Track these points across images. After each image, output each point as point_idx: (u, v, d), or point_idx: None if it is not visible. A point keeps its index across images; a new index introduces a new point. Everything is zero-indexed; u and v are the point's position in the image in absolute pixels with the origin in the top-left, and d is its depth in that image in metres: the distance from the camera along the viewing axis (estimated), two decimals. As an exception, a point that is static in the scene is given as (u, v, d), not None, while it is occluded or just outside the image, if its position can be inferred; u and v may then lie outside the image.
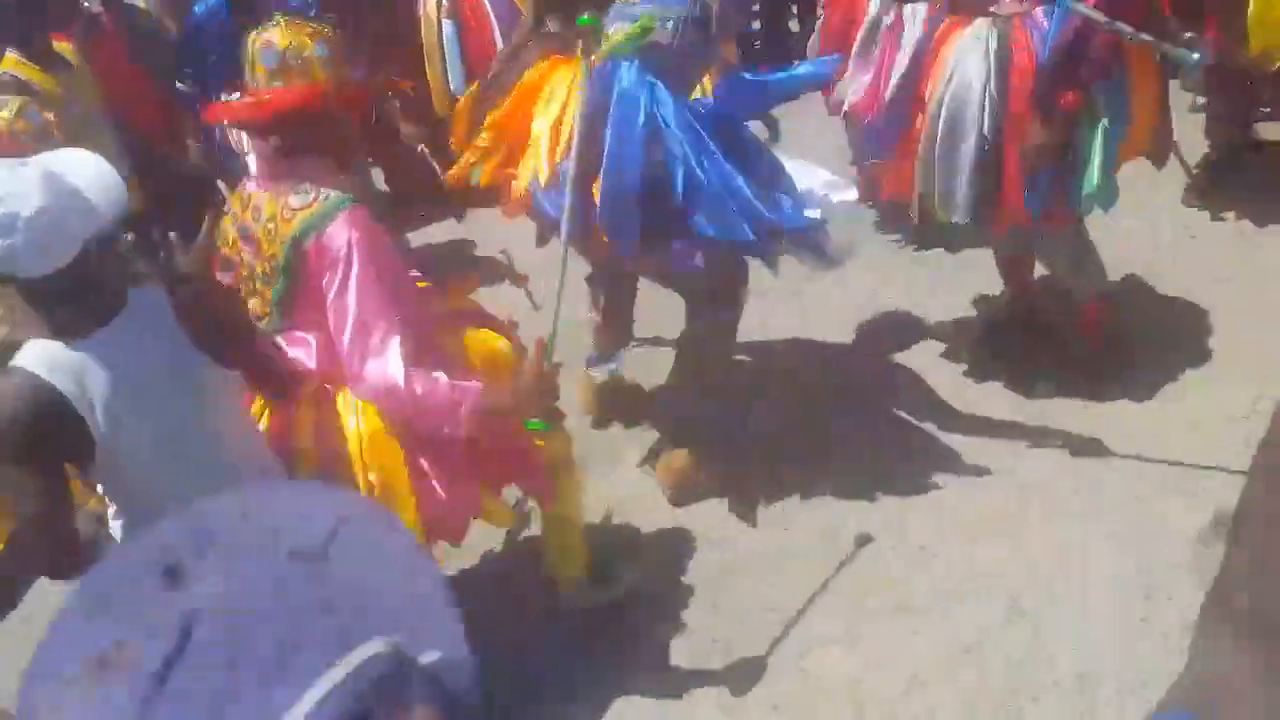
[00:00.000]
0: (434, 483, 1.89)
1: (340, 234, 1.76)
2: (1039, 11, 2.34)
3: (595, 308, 2.94)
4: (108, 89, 3.33)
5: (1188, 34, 3.61)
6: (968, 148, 2.41)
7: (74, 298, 1.47)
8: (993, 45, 2.35)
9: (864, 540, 2.43)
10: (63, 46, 3.39)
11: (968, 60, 2.38)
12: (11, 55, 3.15)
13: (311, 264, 1.79)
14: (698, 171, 2.11)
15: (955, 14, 2.49)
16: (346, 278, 1.75)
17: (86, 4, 3.66)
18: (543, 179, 2.25)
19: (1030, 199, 2.42)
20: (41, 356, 1.46)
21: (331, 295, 1.77)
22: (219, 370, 1.63)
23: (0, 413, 1.41)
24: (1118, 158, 2.43)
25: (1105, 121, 2.36)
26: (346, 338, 1.77)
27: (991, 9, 2.40)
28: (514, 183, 2.35)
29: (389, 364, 1.75)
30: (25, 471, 1.42)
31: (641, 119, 2.10)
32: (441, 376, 1.79)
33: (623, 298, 2.90)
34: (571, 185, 1.83)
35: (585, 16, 1.76)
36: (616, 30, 2.13)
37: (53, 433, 1.44)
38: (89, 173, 1.51)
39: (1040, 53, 2.32)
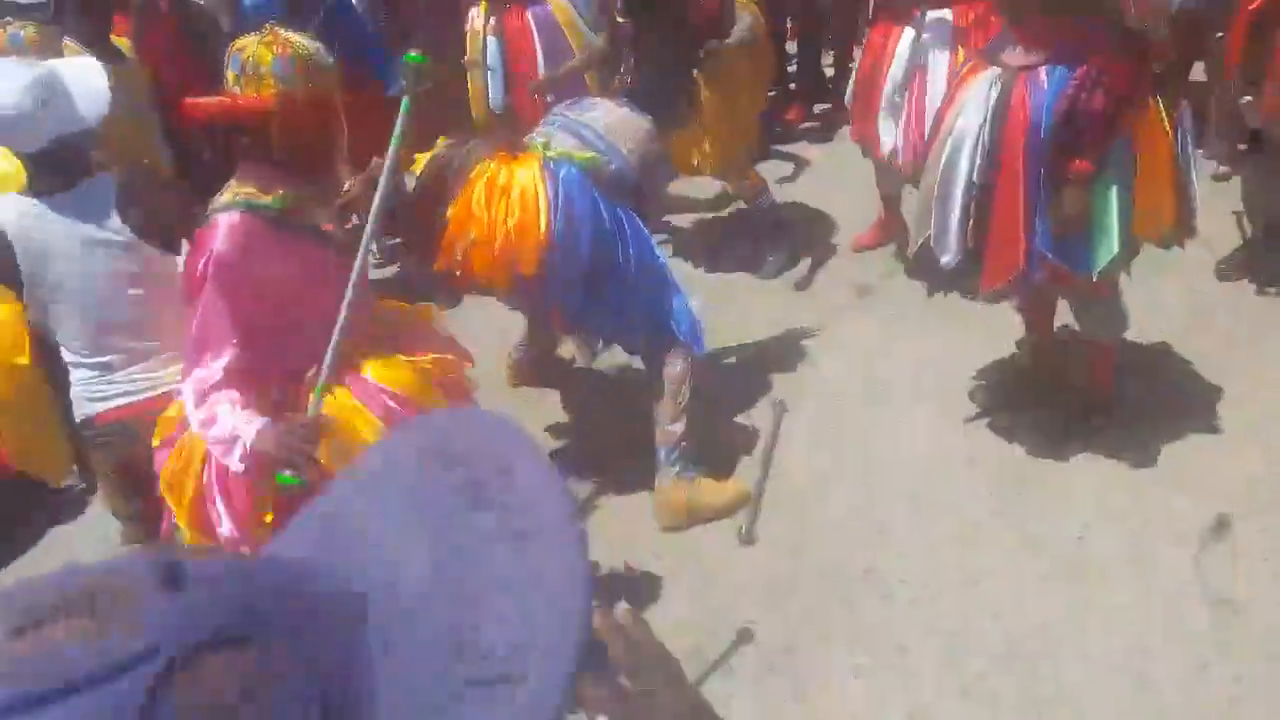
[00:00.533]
0: None
1: (212, 234, 1.77)
2: (1043, 70, 2.36)
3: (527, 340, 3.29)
4: (159, 76, 3.43)
5: (1245, 98, 3.65)
6: (958, 193, 2.46)
7: (48, 168, 2.02)
8: (993, 96, 2.39)
9: (865, 573, 2.45)
10: (119, 40, 3.52)
11: (969, 107, 2.44)
12: (69, 43, 3.27)
13: (193, 247, 1.84)
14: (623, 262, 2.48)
15: (974, 60, 2.56)
16: (202, 281, 1.76)
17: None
18: (527, 271, 2.45)
19: (1032, 257, 2.43)
20: (14, 206, 2.03)
21: (189, 294, 1.80)
22: (144, 248, 2.06)
23: None
24: (1132, 220, 2.41)
25: (1115, 186, 2.36)
26: (189, 346, 1.79)
27: (1003, 59, 2.44)
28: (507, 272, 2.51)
29: (192, 382, 1.75)
30: None
31: (587, 201, 2.44)
32: (229, 409, 1.71)
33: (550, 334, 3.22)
34: (372, 217, 1.81)
35: (412, 53, 1.76)
36: (562, 143, 2.54)
37: None
38: (83, 84, 2.03)
39: (1035, 110, 2.34)
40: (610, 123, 2.65)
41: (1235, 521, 2.45)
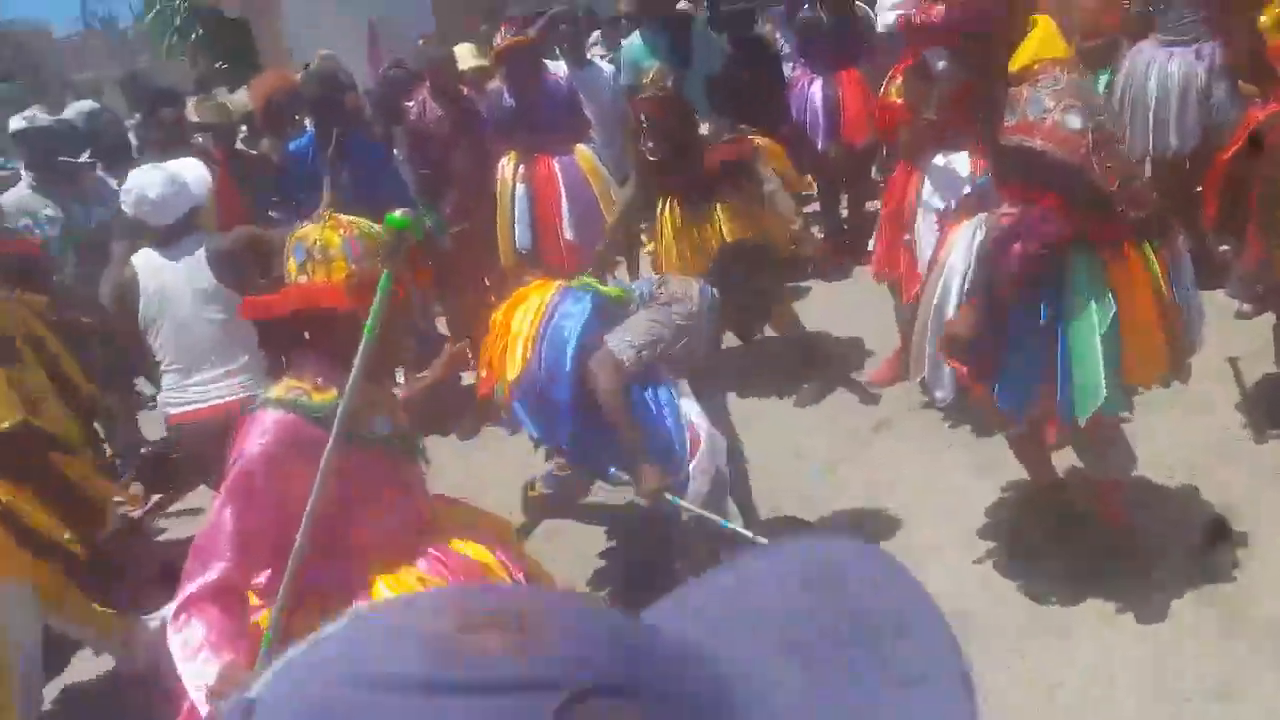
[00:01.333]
0: None
1: (252, 430, 1.65)
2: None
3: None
4: (218, 215, 3.76)
5: (1223, 246, 3.72)
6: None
7: (167, 232, 2.92)
8: (978, 239, 2.47)
9: None
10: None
11: (957, 249, 2.52)
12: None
13: (235, 435, 1.70)
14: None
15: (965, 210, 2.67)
16: (227, 479, 1.63)
17: (200, 139, 4.21)
18: (508, 384, 2.57)
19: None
20: (140, 255, 2.95)
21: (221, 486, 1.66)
22: (224, 290, 2.79)
23: (118, 282, 2.99)
24: (1120, 363, 2.36)
25: (1090, 334, 2.32)
26: (191, 549, 1.64)
27: (993, 209, 2.52)
28: (496, 386, 2.65)
29: (179, 595, 1.59)
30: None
31: (577, 334, 2.51)
32: (200, 636, 1.54)
33: None
34: (346, 397, 1.54)
35: (396, 216, 1.57)
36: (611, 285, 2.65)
37: (130, 293, 2.91)
38: (192, 175, 3.00)
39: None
40: (667, 279, 2.76)
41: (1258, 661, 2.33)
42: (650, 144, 3.49)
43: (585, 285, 2.67)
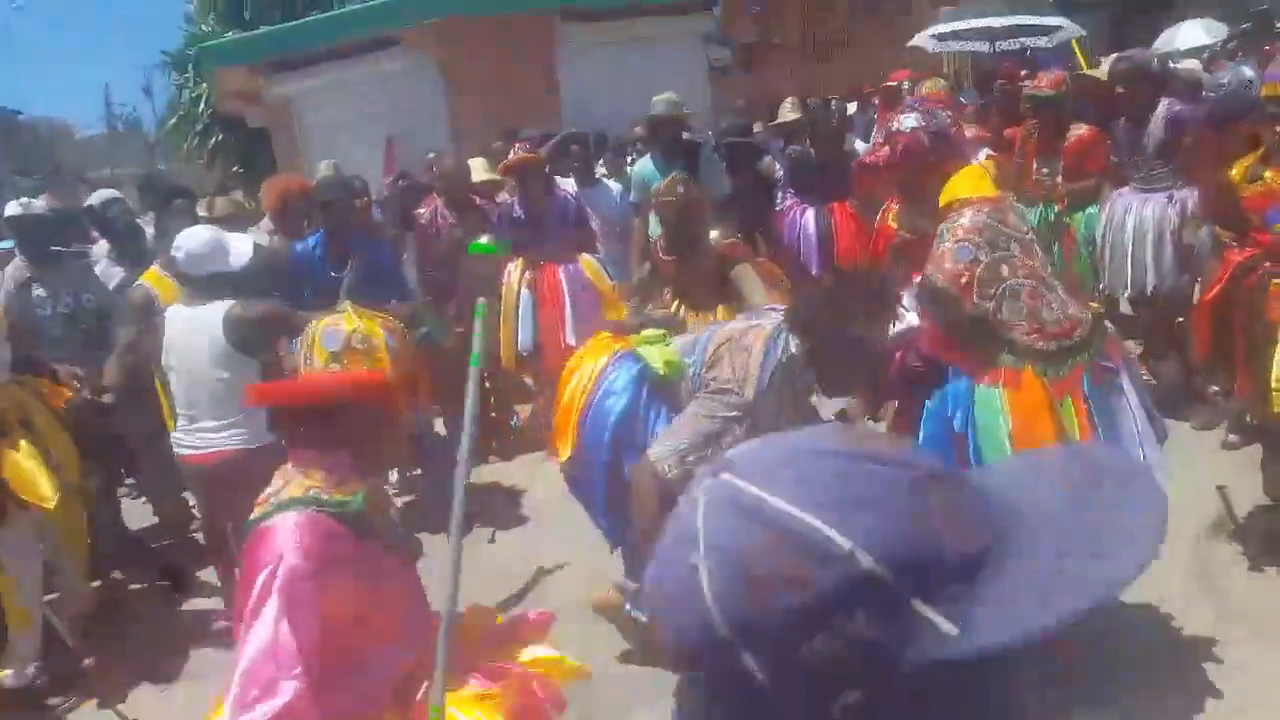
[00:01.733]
0: None
1: (280, 539, 1.50)
2: None
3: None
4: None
5: (1214, 387, 3.82)
6: None
7: (196, 289, 3.11)
8: None
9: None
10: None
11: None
12: (153, 270, 3.72)
13: (248, 553, 1.55)
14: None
15: None
16: (263, 601, 1.47)
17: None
18: (563, 455, 2.64)
19: None
20: (172, 309, 3.18)
21: (247, 609, 1.50)
22: (234, 351, 3.01)
23: (141, 335, 3.28)
24: None
25: (1000, 439, 2.42)
26: (238, 673, 1.48)
27: None
28: (559, 451, 2.73)
29: None
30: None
31: (620, 409, 2.53)
32: None
33: None
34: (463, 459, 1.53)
35: (481, 242, 1.57)
36: (660, 348, 2.60)
37: (154, 338, 3.19)
38: (236, 245, 3.23)
39: None
40: (720, 357, 2.45)
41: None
42: (664, 242, 3.64)
43: (637, 355, 2.58)
